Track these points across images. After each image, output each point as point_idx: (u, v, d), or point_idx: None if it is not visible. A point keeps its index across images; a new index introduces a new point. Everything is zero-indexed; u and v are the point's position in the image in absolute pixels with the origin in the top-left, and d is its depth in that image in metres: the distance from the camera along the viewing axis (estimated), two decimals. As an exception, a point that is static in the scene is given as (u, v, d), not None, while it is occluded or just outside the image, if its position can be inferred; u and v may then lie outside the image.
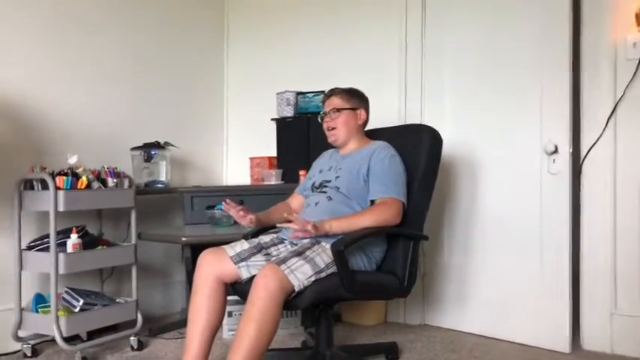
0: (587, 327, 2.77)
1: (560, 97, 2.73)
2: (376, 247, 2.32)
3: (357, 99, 2.51)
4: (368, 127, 2.61)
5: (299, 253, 2.07)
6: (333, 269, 2.07)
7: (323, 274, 2.05)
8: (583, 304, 2.79)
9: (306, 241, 2.20)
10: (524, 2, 2.86)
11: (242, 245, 2.28)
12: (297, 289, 1.97)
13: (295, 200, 2.60)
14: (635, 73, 2.64)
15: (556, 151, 2.75)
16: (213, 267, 2.18)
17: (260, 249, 2.28)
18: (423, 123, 3.08)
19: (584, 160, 2.78)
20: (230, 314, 2.95)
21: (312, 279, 2.01)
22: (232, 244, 2.29)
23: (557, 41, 2.73)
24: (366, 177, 2.33)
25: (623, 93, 2.67)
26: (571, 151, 2.74)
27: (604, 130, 2.71)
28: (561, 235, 2.74)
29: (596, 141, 2.73)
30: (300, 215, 2.43)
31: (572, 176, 2.75)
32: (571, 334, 2.73)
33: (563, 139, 2.73)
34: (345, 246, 2.03)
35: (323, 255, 2.09)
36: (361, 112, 2.50)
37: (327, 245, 2.11)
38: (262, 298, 1.90)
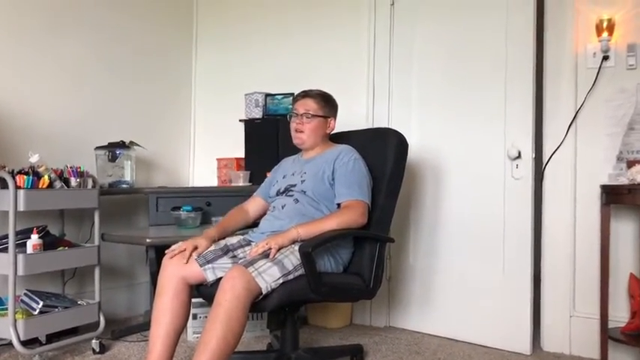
0: (547, 329, 2.84)
1: (524, 104, 2.79)
2: (343, 249, 2.33)
3: (329, 107, 2.50)
4: (336, 130, 2.61)
5: (267, 255, 2.06)
6: (300, 271, 2.07)
7: (291, 277, 2.05)
8: (544, 307, 2.86)
9: None
10: (490, 10, 2.92)
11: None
12: (264, 291, 1.96)
13: (255, 204, 2.57)
14: (594, 81, 2.72)
15: (519, 156, 2.81)
16: (178, 268, 2.15)
17: (226, 251, 2.26)
18: (390, 126, 3.12)
19: (546, 165, 2.85)
20: (195, 317, 2.92)
21: (280, 281, 2.01)
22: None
23: (522, 49, 2.79)
24: (332, 180, 2.34)
25: (584, 100, 2.75)
26: (534, 156, 2.80)
27: (565, 136, 2.79)
28: (523, 239, 2.80)
29: (558, 147, 2.80)
30: (265, 218, 2.43)
31: (535, 181, 2.82)
32: (532, 335, 2.79)
33: (527, 145, 2.80)
34: (312, 248, 2.03)
35: (291, 257, 2.08)
36: (331, 121, 2.50)
37: (295, 247, 2.11)
38: (229, 299, 1.88)
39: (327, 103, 2.49)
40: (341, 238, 2.28)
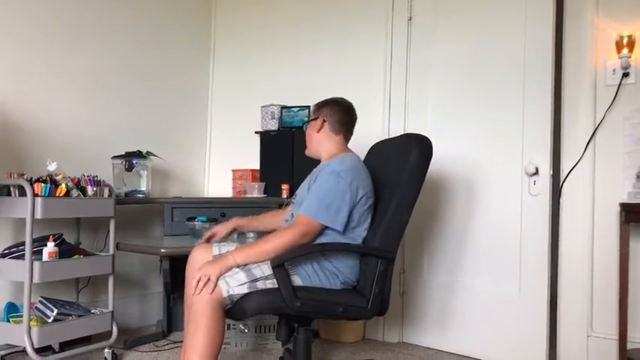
0: (564, 348, 2.79)
1: (542, 119, 2.77)
2: (339, 262, 2.12)
3: (316, 109, 2.37)
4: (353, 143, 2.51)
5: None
6: (272, 281, 2.01)
7: (260, 284, 2.00)
8: (560, 326, 2.81)
9: None
10: (508, 26, 2.91)
11: (230, 247, 2.28)
12: (225, 294, 1.95)
13: (288, 212, 2.50)
14: (614, 98, 2.69)
15: (537, 172, 2.78)
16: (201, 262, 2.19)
17: None
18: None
19: (564, 182, 2.81)
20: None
21: (246, 287, 1.98)
22: (224, 242, 2.32)
23: (540, 65, 2.78)
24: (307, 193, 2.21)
25: (603, 118, 2.72)
26: (552, 173, 2.77)
27: (584, 153, 2.75)
28: (540, 256, 2.76)
29: (576, 164, 2.77)
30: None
31: (552, 198, 2.79)
32: (548, 355, 2.74)
33: (544, 161, 2.77)
34: (278, 263, 1.97)
35: (263, 266, 2.03)
36: (317, 121, 2.32)
37: None
38: (195, 303, 1.94)
39: (315, 108, 2.38)
40: (309, 254, 2.09)
